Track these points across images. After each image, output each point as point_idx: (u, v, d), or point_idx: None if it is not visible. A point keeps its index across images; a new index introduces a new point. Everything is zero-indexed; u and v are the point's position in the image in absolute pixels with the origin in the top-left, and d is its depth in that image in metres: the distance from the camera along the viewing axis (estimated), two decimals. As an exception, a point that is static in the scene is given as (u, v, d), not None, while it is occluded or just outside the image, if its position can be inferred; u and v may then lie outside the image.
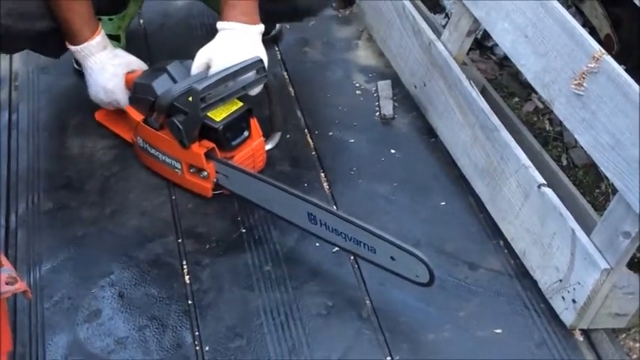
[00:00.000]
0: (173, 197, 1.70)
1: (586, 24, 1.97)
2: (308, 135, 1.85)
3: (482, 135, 1.65)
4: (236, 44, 1.58)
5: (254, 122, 1.63)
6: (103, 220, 1.65)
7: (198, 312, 1.48)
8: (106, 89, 1.69)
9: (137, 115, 1.65)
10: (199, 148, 1.58)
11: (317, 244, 1.57)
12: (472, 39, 1.79)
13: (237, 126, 1.60)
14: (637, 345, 1.50)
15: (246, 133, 1.62)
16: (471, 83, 1.71)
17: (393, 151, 1.79)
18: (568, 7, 1.96)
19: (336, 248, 1.52)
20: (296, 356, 1.40)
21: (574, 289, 1.44)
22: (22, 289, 1.17)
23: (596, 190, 1.73)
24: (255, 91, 1.60)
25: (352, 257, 1.55)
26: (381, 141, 1.83)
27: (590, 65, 1.41)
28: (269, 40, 2.03)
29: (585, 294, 1.41)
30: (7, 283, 1.16)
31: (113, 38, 1.77)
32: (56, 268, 1.56)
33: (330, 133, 1.84)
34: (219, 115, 1.56)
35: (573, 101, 1.45)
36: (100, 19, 1.72)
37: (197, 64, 1.59)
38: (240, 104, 1.59)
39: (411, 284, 1.41)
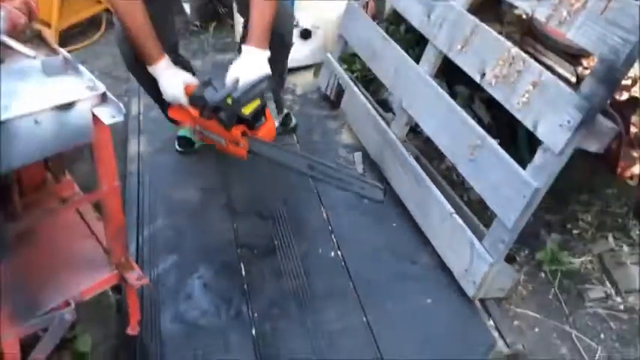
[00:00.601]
0: (234, 225, 1.68)
1: (475, 116, 1.99)
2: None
3: (416, 184, 1.66)
4: (254, 63, 1.50)
5: (267, 111, 1.55)
6: (193, 241, 1.65)
7: (250, 292, 1.48)
8: (173, 96, 1.57)
9: (195, 112, 1.57)
10: (236, 130, 1.52)
11: (320, 251, 1.54)
12: (409, 127, 1.78)
13: (258, 115, 1.52)
14: (512, 307, 1.50)
15: (263, 119, 1.54)
16: (409, 153, 1.71)
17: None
18: (465, 107, 1.98)
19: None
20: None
21: (474, 274, 1.45)
22: (146, 283, 1.21)
23: (485, 216, 1.72)
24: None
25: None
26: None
27: (477, 142, 1.44)
28: (289, 131, 2.01)
29: (480, 277, 1.43)
30: (137, 280, 1.20)
31: None
32: (166, 269, 1.57)
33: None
34: (247, 109, 1.49)
35: (469, 164, 1.47)
36: None
37: (229, 78, 1.49)
38: (259, 102, 1.50)
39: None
